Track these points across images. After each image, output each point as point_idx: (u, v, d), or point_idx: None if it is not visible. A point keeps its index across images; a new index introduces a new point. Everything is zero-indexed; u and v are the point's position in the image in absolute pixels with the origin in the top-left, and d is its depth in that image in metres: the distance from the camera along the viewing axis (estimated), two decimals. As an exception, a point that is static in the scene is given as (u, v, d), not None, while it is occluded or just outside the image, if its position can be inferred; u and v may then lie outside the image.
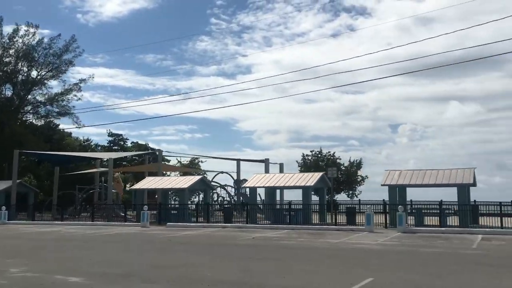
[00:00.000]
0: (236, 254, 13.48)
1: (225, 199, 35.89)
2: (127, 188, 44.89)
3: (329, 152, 45.65)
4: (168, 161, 53.42)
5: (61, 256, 13.12)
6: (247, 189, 29.49)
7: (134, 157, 54.30)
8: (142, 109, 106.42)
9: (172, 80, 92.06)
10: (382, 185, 24.17)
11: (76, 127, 46.34)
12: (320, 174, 27.08)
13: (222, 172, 39.82)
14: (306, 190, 25.72)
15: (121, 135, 60.20)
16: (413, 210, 23.71)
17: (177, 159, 53.85)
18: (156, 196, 32.22)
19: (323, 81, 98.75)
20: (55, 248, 15.47)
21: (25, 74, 44.53)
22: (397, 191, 23.77)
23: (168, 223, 24.97)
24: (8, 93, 44.71)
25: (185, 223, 24.74)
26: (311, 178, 26.14)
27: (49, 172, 46.19)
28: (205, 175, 42.18)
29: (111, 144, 59.43)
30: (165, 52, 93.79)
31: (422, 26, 78.53)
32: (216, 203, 33.57)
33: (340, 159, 44.96)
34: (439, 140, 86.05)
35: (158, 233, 20.62)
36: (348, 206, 27.11)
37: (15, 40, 43.48)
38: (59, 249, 15.10)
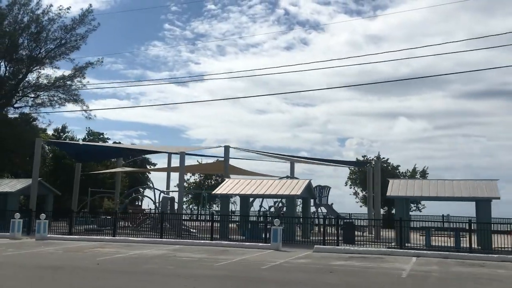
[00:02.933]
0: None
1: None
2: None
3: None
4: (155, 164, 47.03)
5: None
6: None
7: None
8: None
9: (122, 84, 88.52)
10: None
11: (86, 117, 39.14)
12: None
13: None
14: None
15: (102, 133, 52.84)
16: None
17: (198, 161, 47.28)
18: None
19: (275, 92, 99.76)
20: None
21: (27, 50, 37.26)
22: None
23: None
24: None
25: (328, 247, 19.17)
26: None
27: (53, 171, 39.32)
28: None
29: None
30: (116, 55, 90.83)
31: (372, 44, 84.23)
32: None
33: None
34: (383, 154, 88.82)
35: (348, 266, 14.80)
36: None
37: (14, 8, 36.26)
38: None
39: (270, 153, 30.28)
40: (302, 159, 29.88)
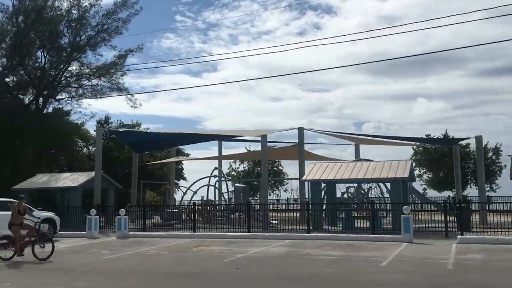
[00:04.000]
0: None
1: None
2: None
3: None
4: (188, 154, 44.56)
5: None
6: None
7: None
8: (106, 107, 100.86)
9: (137, 78, 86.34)
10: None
11: (132, 106, 36.90)
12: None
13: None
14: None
15: (139, 124, 49.83)
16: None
17: (246, 148, 44.75)
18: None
19: (289, 79, 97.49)
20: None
21: (67, 37, 35.01)
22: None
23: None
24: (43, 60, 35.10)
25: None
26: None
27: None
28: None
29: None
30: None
31: (386, 25, 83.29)
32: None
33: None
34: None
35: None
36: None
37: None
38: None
39: (350, 134, 27.67)
40: (386, 139, 27.08)
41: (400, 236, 15.32)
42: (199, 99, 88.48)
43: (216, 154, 32.58)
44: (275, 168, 43.23)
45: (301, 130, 24.82)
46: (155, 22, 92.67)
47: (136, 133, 24.10)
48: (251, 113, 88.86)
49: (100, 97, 37.37)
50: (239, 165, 43.46)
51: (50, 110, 36.17)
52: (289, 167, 62.03)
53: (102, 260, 12.39)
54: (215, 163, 31.57)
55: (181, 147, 47.25)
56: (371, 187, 26.26)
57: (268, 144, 41.62)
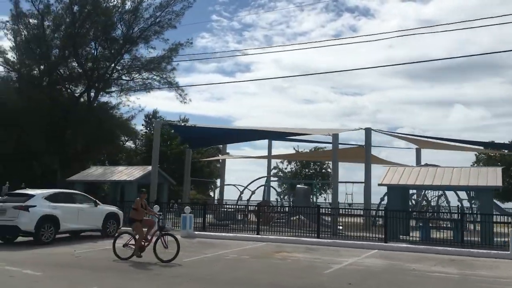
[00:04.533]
0: None
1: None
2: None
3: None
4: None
5: None
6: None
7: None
8: (148, 104, 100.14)
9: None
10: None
11: (181, 101, 35.97)
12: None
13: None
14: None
15: (187, 119, 48.85)
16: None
17: (294, 148, 43.19)
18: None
19: (323, 81, 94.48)
20: None
21: (121, 29, 34.42)
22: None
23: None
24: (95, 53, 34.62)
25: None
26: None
27: (146, 159, 36.63)
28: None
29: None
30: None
31: (425, 29, 74.56)
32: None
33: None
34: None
35: None
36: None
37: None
38: None
39: (422, 136, 25.76)
40: (465, 144, 24.97)
41: (508, 252, 13.50)
42: (232, 99, 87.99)
43: (248, 154, 31.29)
44: (323, 171, 41.57)
45: (368, 131, 23.14)
46: (191, 21, 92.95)
47: (194, 127, 22.91)
48: (283, 115, 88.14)
49: (149, 91, 36.80)
50: (287, 165, 42.02)
51: (100, 103, 35.82)
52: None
53: (185, 263, 11.15)
54: (259, 162, 30.30)
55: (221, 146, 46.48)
56: (441, 195, 24.28)
57: (315, 145, 40.35)
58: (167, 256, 10.81)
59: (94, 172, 24.74)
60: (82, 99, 35.14)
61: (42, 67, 34.98)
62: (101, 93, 35.06)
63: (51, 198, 14.53)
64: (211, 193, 43.60)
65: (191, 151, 27.14)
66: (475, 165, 35.91)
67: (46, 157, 39.27)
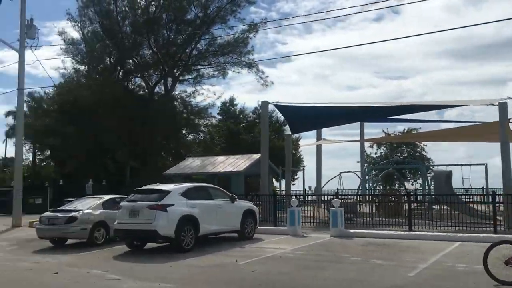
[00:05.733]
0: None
1: None
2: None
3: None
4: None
5: None
6: None
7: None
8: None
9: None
10: None
11: (262, 84, 32.82)
12: None
13: None
14: None
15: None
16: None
17: (383, 131, 38.88)
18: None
19: (365, 67, 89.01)
20: None
21: (195, 11, 31.54)
22: None
23: None
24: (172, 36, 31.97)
25: None
26: None
27: (226, 148, 33.78)
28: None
29: None
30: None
31: (471, 6, 75.38)
32: None
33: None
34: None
35: None
36: None
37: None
38: None
39: None
40: None
41: None
42: (274, 90, 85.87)
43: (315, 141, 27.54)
44: (417, 154, 37.28)
45: (502, 106, 18.28)
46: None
47: (310, 107, 19.54)
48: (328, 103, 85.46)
49: (223, 76, 33.95)
50: (377, 150, 38.08)
51: (177, 91, 33.38)
52: (433, 153, 57.20)
53: (424, 281, 7.84)
54: (340, 149, 26.61)
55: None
56: None
57: (411, 125, 36.10)
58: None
59: (192, 164, 22.07)
60: (157, 89, 32.84)
61: (112, 57, 32.86)
62: (178, 80, 32.61)
63: (187, 194, 11.56)
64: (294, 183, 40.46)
65: (291, 137, 23.90)
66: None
67: (121, 154, 37.42)
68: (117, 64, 32.44)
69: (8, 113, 51.13)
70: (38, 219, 13.23)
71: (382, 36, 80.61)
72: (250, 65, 32.13)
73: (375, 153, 37.93)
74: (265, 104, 19.92)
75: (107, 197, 13.58)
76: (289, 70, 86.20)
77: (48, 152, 44.46)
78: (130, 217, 11.07)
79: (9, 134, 52.77)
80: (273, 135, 33.22)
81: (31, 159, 54.82)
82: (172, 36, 31.74)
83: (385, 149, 37.88)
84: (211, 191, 12.60)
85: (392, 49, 78.97)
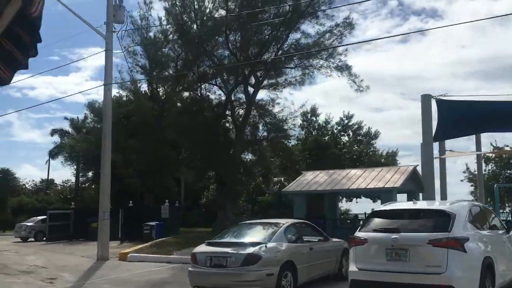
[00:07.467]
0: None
1: None
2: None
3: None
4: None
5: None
6: None
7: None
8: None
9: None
10: None
11: (357, 89, 27.94)
12: None
13: None
14: None
15: None
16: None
17: (491, 144, 33.37)
18: None
19: (392, 88, 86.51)
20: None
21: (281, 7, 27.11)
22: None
23: None
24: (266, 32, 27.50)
25: None
26: None
27: (313, 162, 28.86)
28: None
29: None
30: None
31: (498, 25, 73.23)
32: None
33: None
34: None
35: None
36: None
37: None
38: None
39: None
40: None
41: None
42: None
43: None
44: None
45: None
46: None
47: (481, 102, 14.69)
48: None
49: (310, 79, 29.44)
50: (485, 166, 32.52)
51: (258, 97, 28.72)
52: None
53: None
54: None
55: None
56: None
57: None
58: None
59: (317, 179, 17.17)
60: (237, 95, 28.40)
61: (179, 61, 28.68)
62: (263, 83, 28.07)
63: (474, 219, 6.79)
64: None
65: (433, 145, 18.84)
66: None
67: (186, 170, 33.18)
68: (187, 68, 28.13)
69: (53, 132, 47.87)
70: (140, 248, 8.55)
71: (408, 57, 78.56)
72: (341, 69, 27.50)
73: (484, 170, 32.39)
74: (427, 98, 15.05)
75: (286, 222, 8.82)
76: (313, 93, 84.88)
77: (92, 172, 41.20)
78: (390, 260, 6.24)
79: (53, 153, 49.29)
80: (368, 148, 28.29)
81: (73, 181, 51.33)
82: (257, 34, 27.20)
83: (492, 165, 32.40)
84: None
85: (419, 69, 78.04)
